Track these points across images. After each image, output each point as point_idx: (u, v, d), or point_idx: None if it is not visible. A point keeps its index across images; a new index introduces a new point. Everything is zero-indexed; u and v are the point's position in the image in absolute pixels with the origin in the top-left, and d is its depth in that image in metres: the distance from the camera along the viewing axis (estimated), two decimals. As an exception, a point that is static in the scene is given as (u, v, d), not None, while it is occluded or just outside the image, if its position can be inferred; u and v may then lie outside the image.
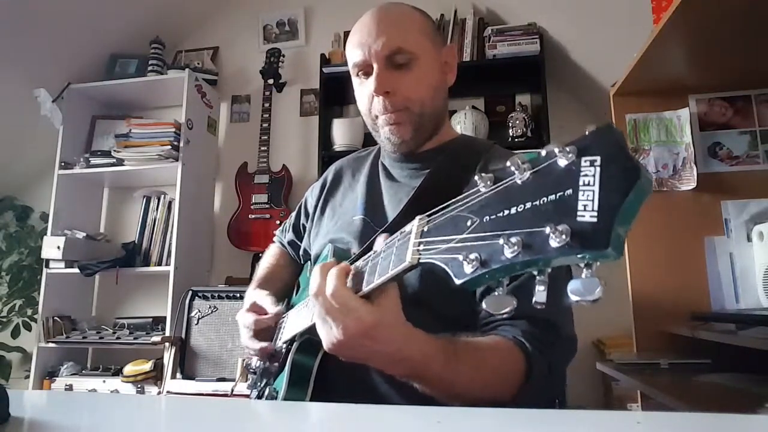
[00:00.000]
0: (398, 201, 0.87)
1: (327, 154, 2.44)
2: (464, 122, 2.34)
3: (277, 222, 2.48)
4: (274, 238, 1.21)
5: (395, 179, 0.93)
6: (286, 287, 1.07)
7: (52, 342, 2.38)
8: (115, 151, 2.55)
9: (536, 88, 2.35)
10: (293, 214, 1.14)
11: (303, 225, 1.08)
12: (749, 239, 1.44)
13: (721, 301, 1.45)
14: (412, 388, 0.63)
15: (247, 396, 0.93)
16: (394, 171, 0.94)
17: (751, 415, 0.47)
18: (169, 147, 2.46)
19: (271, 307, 0.87)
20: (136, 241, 2.55)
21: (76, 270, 2.39)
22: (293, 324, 0.81)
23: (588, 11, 2.04)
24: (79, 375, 2.37)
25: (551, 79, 2.32)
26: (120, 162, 2.54)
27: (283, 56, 2.74)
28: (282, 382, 0.78)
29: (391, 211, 0.87)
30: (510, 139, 2.31)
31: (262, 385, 0.88)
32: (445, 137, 0.93)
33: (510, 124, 2.34)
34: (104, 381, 2.29)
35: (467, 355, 0.63)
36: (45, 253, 2.43)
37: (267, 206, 2.54)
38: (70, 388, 2.29)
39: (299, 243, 1.08)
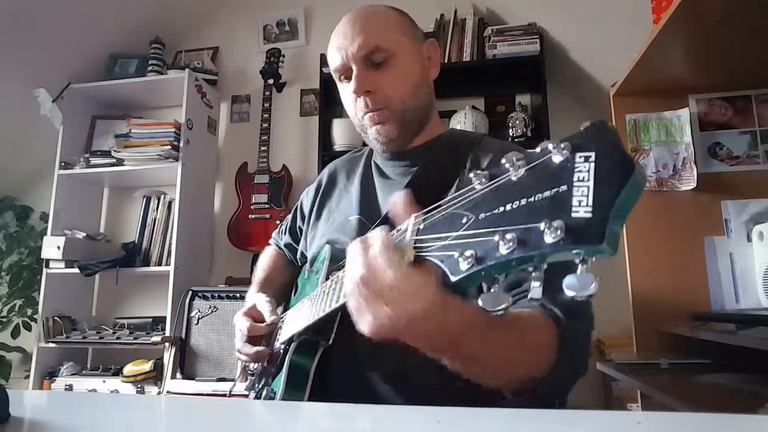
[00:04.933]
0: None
1: (327, 154, 2.43)
2: (464, 122, 2.34)
3: (277, 222, 2.47)
4: (270, 240, 1.21)
5: (388, 177, 0.93)
6: (285, 289, 1.07)
7: (52, 342, 2.38)
8: (115, 151, 2.55)
9: (536, 88, 2.35)
10: (289, 217, 1.14)
11: (299, 228, 1.08)
12: (749, 239, 1.44)
13: (721, 301, 1.45)
14: (410, 388, 0.62)
15: (246, 396, 0.94)
16: (386, 169, 0.94)
17: (751, 415, 0.47)
18: (169, 147, 2.46)
19: (268, 314, 0.87)
20: (136, 241, 2.54)
21: (76, 270, 2.39)
22: (291, 324, 0.81)
23: (588, 11, 2.04)
24: (79, 375, 2.37)
25: (551, 79, 2.32)
26: (120, 162, 2.54)
27: (283, 56, 2.74)
28: (280, 382, 0.78)
29: (385, 208, 0.87)
30: (510, 139, 2.31)
31: (259, 386, 0.88)
32: (434, 132, 0.93)
33: (510, 124, 2.34)
34: (104, 381, 2.28)
35: (503, 326, 0.56)
36: (45, 253, 2.43)
37: (267, 206, 2.54)
38: (70, 388, 2.29)
39: (296, 246, 1.08)
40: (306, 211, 1.05)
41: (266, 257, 1.15)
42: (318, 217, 1.00)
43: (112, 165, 2.55)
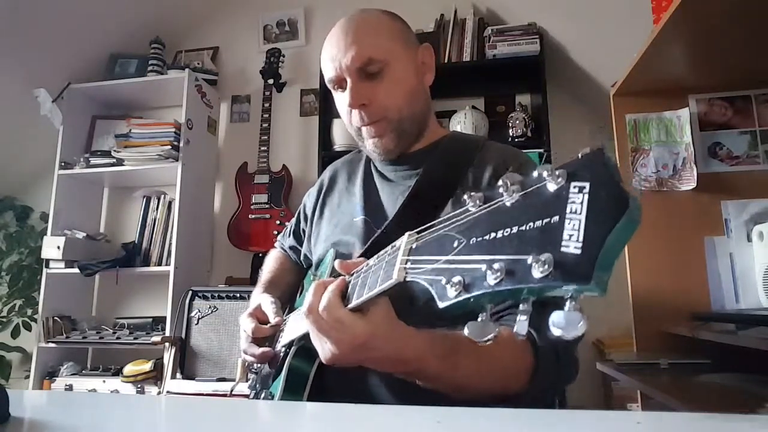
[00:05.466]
0: (395, 200, 0.88)
1: (327, 154, 2.44)
2: (464, 122, 2.34)
3: (277, 222, 2.48)
4: (276, 243, 1.21)
5: (390, 179, 0.93)
6: (290, 290, 1.07)
7: (52, 342, 2.38)
8: (115, 151, 2.55)
9: (536, 88, 2.35)
10: (293, 220, 1.14)
11: (303, 230, 1.08)
12: (749, 239, 1.44)
13: (721, 301, 1.45)
14: (410, 393, 0.62)
15: (247, 396, 0.94)
16: (387, 173, 0.94)
17: (751, 415, 0.47)
18: (169, 147, 2.46)
19: (272, 316, 0.87)
20: (136, 241, 2.54)
21: (76, 270, 2.39)
22: (292, 328, 0.81)
23: (588, 11, 2.04)
24: (79, 375, 2.37)
25: (551, 79, 2.32)
26: (120, 162, 2.54)
27: (283, 56, 2.74)
28: (278, 385, 0.77)
29: (390, 210, 0.87)
30: (510, 139, 2.31)
31: (259, 388, 0.88)
32: (434, 136, 0.93)
33: (510, 124, 2.34)
34: (104, 381, 2.28)
35: (466, 348, 0.62)
36: (45, 253, 2.43)
37: (267, 206, 2.53)
38: (70, 388, 2.29)
39: (300, 248, 1.08)
40: (309, 213, 1.05)
41: (272, 259, 1.15)
42: (321, 218, 1.00)
43: (112, 165, 2.55)
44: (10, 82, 2.46)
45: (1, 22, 2.23)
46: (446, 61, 2.40)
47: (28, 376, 2.41)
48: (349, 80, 0.83)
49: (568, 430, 0.47)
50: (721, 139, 1.56)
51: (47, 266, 2.46)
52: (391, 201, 0.88)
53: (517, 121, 2.33)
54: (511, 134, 2.33)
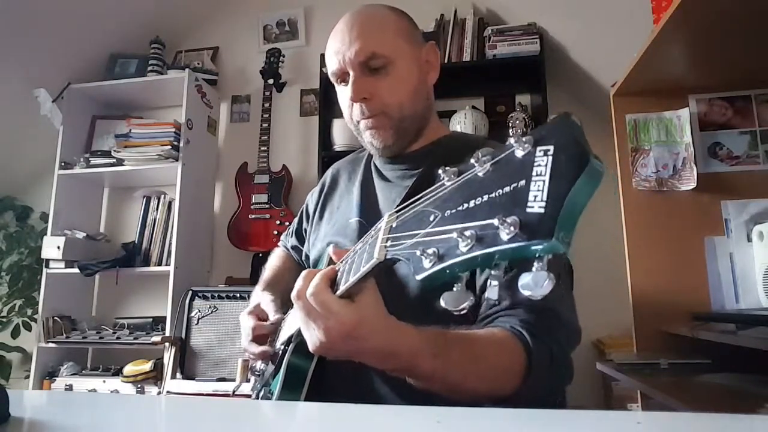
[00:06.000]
0: (392, 201, 0.87)
1: (327, 154, 2.44)
2: (464, 122, 2.34)
3: (277, 222, 2.48)
4: (279, 243, 1.21)
5: (388, 180, 0.93)
6: (290, 290, 1.07)
7: (52, 342, 2.38)
8: (115, 151, 2.55)
9: (536, 88, 2.35)
10: (296, 220, 1.14)
11: (305, 229, 1.09)
12: (749, 239, 1.44)
13: (721, 301, 1.45)
14: (411, 390, 0.62)
15: (248, 396, 0.94)
16: (386, 172, 0.94)
17: (751, 415, 0.47)
18: (169, 147, 2.46)
19: (272, 313, 0.87)
20: (136, 241, 2.54)
21: (76, 270, 2.39)
22: (291, 324, 0.81)
23: (588, 11, 2.04)
24: (79, 375, 2.37)
25: (551, 79, 2.32)
26: (120, 162, 2.54)
27: (283, 56, 2.74)
28: (277, 383, 0.77)
29: (386, 212, 0.87)
30: (510, 139, 2.31)
31: (260, 386, 0.88)
32: (433, 135, 0.92)
33: (510, 124, 2.34)
34: (104, 381, 2.28)
35: (459, 347, 0.61)
36: (45, 253, 2.43)
37: (267, 206, 2.54)
38: (70, 388, 2.29)
39: (302, 248, 1.09)
40: (311, 212, 1.06)
41: (275, 258, 1.16)
42: (320, 218, 1.01)
43: (112, 165, 2.55)
44: (10, 82, 2.46)
45: (1, 22, 2.23)
46: (446, 61, 2.40)
47: (28, 376, 2.41)
48: (351, 74, 0.83)
49: (568, 430, 0.47)
50: (721, 139, 1.56)
51: (47, 266, 2.46)
52: (388, 203, 0.88)
53: (517, 121, 2.33)
54: (511, 134, 2.32)
